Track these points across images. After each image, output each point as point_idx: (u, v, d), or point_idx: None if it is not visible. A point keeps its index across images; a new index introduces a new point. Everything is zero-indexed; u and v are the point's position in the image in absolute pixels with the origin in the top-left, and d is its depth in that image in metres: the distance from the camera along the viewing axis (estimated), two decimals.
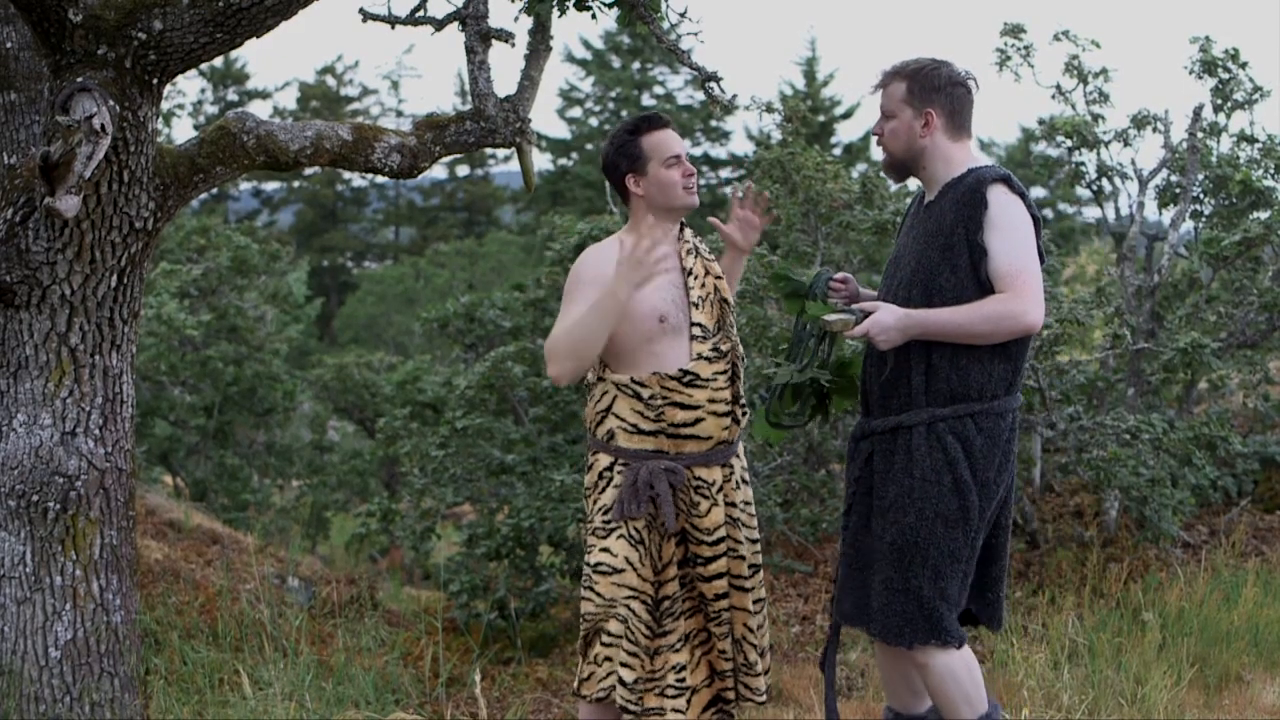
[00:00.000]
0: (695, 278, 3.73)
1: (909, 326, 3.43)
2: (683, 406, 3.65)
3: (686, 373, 3.65)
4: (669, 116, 3.83)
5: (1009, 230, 3.42)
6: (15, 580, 4.04)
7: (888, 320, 3.43)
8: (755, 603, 3.83)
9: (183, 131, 37.35)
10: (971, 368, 3.44)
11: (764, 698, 3.78)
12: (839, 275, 3.82)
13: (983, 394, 3.46)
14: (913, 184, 4.16)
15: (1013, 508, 3.66)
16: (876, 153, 3.76)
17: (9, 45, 4.76)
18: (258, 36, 4.00)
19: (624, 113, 33.80)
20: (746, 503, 3.83)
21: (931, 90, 3.53)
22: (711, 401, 3.68)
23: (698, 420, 3.67)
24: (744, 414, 3.80)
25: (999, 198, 3.44)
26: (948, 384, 3.45)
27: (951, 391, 3.45)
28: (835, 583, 3.73)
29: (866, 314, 3.47)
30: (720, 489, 3.72)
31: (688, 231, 3.81)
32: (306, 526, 13.86)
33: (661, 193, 3.70)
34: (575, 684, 3.79)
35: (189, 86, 39.23)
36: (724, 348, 3.74)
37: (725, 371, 3.72)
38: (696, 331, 3.68)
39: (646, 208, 3.73)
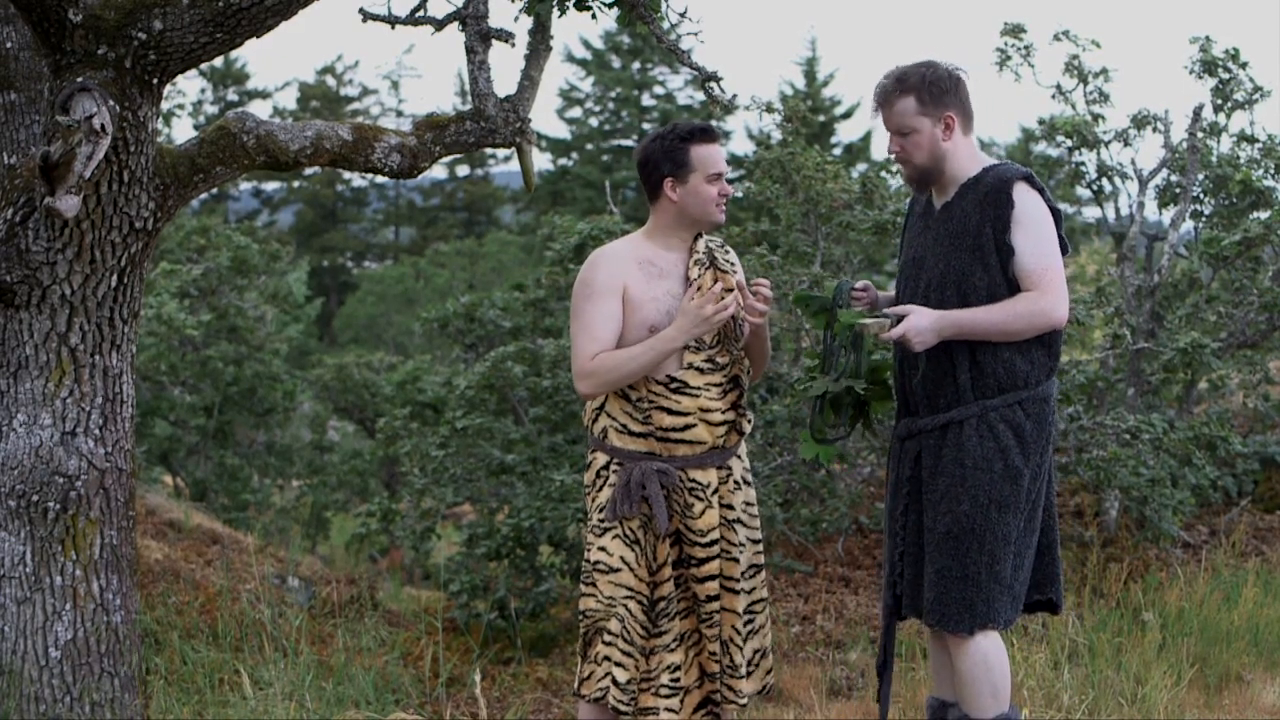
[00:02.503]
0: (699, 290, 3.72)
1: (944, 327, 3.50)
2: (670, 412, 3.66)
3: (673, 379, 3.66)
4: (719, 130, 3.81)
5: (1033, 228, 3.49)
6: (15, 580, 4.04)
7: (923, 323, 3.49)
8: (756, 603, 3.83)
9: (183, 131, 37.37)
10: (1016, 358, 3.52)
11: (745, 701, 3.77)
12: (859, 284, 3.85)
13: (1028, 381, 3.54)
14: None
15: (1055, 489, 3.73)
16: (877, 153, 3.78)
17: (9, 45, 4.76)
18: (258, 36, 4.00)
19: (624, 113, 33.83)
20: (748, 503, 3.83)
21: (942, 94, 3.57)
22: (704, 410, 3.68)
23: (688, 426, 3.67)
24: (748, 423, 3.80)
25: (1023, 195, 3.51)
26: (994, 377, 3.53)
27: (999, 383, 3.53)
28: (890, 584, 3.74)
29: (900, 317, 3.52)
30: (715, 491, 3.71)
31: (701, 241, 3.80)
32: (306, 526, 13.86)
33: (697, 205, 3.70)
34: (575, 684, 3.80)
35: (189, 86, 39.27)
36: (721, 360, 3.73)
37: (720, 384, 3.72)
38: (690, 342, 3.68)
39: (676, 214, 3.72)
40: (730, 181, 3.80)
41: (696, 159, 3.68)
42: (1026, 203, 3.50)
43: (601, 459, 3.74)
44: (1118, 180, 8.24)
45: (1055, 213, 3.55)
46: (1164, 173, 8.03)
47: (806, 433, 3.88)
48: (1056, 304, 3.47)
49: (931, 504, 3.59)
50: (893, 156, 3.68)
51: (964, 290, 3.53)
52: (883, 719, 3.83)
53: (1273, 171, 7.83)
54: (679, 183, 3.69)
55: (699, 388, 3.68)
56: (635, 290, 3.66)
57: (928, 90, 3.56)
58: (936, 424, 3.58)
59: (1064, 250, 3.57)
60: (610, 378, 3.62)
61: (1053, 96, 8.20)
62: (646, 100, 33.85)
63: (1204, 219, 8.04)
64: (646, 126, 32.72)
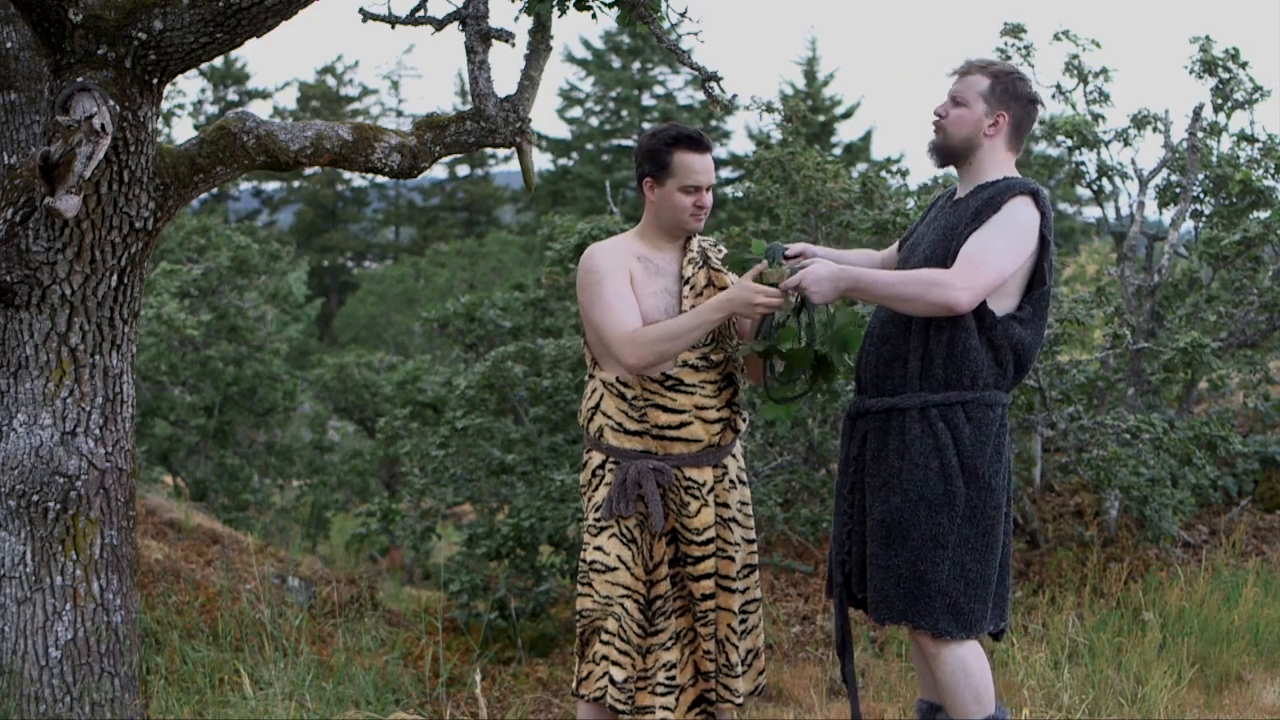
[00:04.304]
0: (692, 288, 3.73)
1: (840, 278, 3.49)
2: (665, 409, 3.67)
3: (669, 377, 3.67)
4: (711, 141, 3.80)
5: (999, 228, 3.48)
6: (15, 580, 4.05)
7: (821, 272, 3.49)
8: (750, 603, 3.83)
9: (183, 131, 37.37)
10: (967, 356, 3.49)
11: (741, 700, 3.78)
12: (794, 250, 3.77)
13: (975, 383, 3.51)
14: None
15: (1012, 509, 3.70)
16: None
17: (9, 45, 4.76)
18: (258, 36, 4.00)
19: (624, 113, 33.83)
20: (743, 503, 3.83)
21: (1012, 96, 3.60)
22: (699, 408, 3.68)
23: (684, 424, 3.68)
24: (743, 421, 3.80)
25: (1015, 204, 3.50)
26: (943, 370, 3.51)
27: (946, 378, 3.51)
28: (839, 563, 3.72)
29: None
30: (711, 490, 3.72)
31: (694, 241, 3.81)
32: (306, 526, 13.86)
33: (669, 211, 3.71)
34: (574, 683, 3.80)
35: (189, 86, 39.27)
36: (715, 358, 3.73)
37: (715, 381, 3.73)
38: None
39: (654, 214, 3.75)
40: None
41: (677, 165, 3.67)
42: (1012, 210, 3.48)
43: (597, 458, 3.75)
44: (1118, 180, 8.24)
45: (1044, 240, 3.51)
46: (1164, 172, 8.03)
47: (765, 393, 3.83)
48: (960, 287, 3.38)
49: (872, 490, 3.59)
50: (934, 118, 3.67)
51: None
52: (852, 697, 3.82)
53: (1273, 171, 7.83)
54: (656, 184, 3.71)
55: (694, 385, 3.68)
56: (638, 280, 3.68)
57: (1003, 83, 3.60)
58: (881, 407, 3.58)
59: (1041, 281, 3.51)
60: (660, 348, 3.56)
61: (1053, 96, 8.21)
62: (646, 100, 33.84)
63: (1204, 219, 8.04)
64: (647, 127, 32.68)
